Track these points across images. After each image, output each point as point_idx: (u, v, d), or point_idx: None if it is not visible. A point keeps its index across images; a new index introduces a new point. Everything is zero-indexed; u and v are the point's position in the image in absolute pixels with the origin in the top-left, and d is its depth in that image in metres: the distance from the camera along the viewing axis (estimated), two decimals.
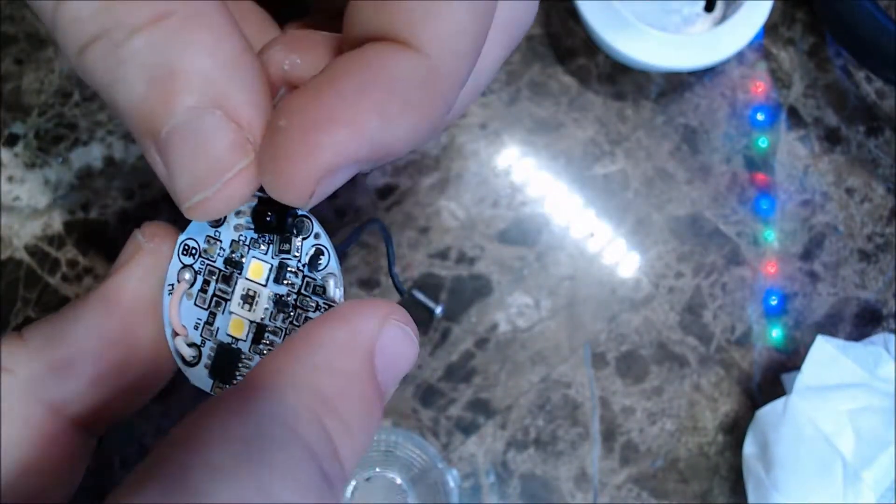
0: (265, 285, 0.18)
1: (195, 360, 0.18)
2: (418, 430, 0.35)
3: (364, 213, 0.35)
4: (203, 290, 0.18)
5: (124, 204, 0.34)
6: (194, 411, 0.14)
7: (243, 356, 0.18)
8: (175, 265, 0.18)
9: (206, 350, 0.18)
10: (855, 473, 0.31)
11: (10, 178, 0.34)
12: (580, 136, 0.36)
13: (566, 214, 0.36)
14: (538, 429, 0.35)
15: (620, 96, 0.36)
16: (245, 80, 0.16)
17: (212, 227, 0.18)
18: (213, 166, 0.16)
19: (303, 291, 0.18)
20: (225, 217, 0.18)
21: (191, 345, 0.18)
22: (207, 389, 0.18)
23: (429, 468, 0.33)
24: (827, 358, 0.33)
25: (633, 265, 0.36)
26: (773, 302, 0.36)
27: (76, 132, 0.34)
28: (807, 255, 0.37)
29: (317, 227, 0.18)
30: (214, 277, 0.18)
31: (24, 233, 0.34)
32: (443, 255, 0.35)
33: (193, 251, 0.18)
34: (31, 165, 0.34)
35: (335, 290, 0.18)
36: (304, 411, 0.14)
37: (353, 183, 0.35)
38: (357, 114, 0.15)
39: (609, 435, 0.35)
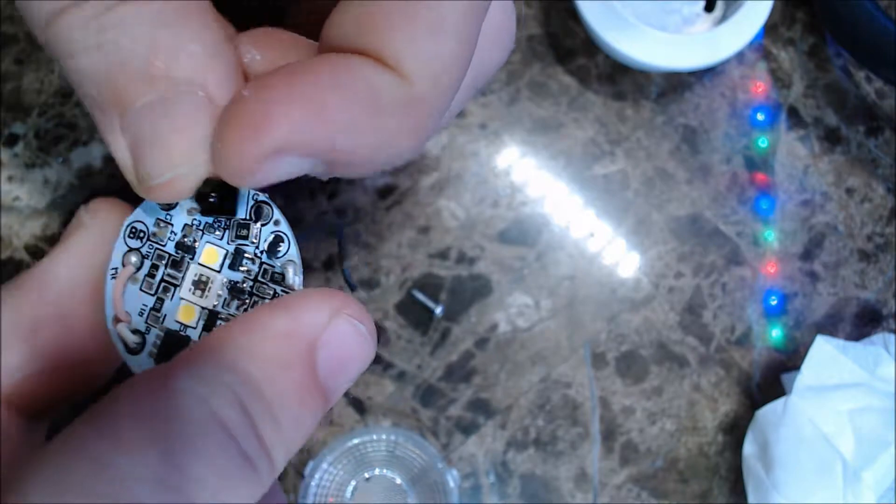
0: (219, 271, 0.17)
1: (138, 348, 0.17)
2: (418, 430, 0.35)
3: (364, 212, 0.35)
4: (150, 275, 0.17)
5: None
6: (115, 388, 0.14)
7: (192, 344, 0.17)
8: (120, 248, 0.18)
9: (152, 337, 0.17)
10: (855, 473, 0.31)
11: (10, 178, 0.34)
12: (580, 136, 0.36)
13: (566, 214, 0.36)
14: (538, 429, 0.35)
15: (620, 96, 0.36)
16: (226, 68, 0.16)
17: (163, 209, 0.18)
18: (191, 145, 0.15)
19: (259, 279, 0.17)
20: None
21: (134, 331, 0.17)
22: None
23: (429, 468, 0.33)
24: (827, 358, 0.33)
25: (633, 265, 0.36)
26: (773, 302, 0.36)
27: (76, 132, 0.34)
28: (807, 255, 0.37)
29: (277, 214, 0.17)
30: (163, 262, 0.17)
31: (24, 233, 0.34)
32: (443, 255, 0.35)
33: (141, 234, 0.18)
34: (31, 165, 0.34)
35: (294, 278, 0.17)
36: (223, 391, 0.14)
37: (353, 182, 0.35)
38: (324, 104, 0.14)
39: (609, 435, 0.35)
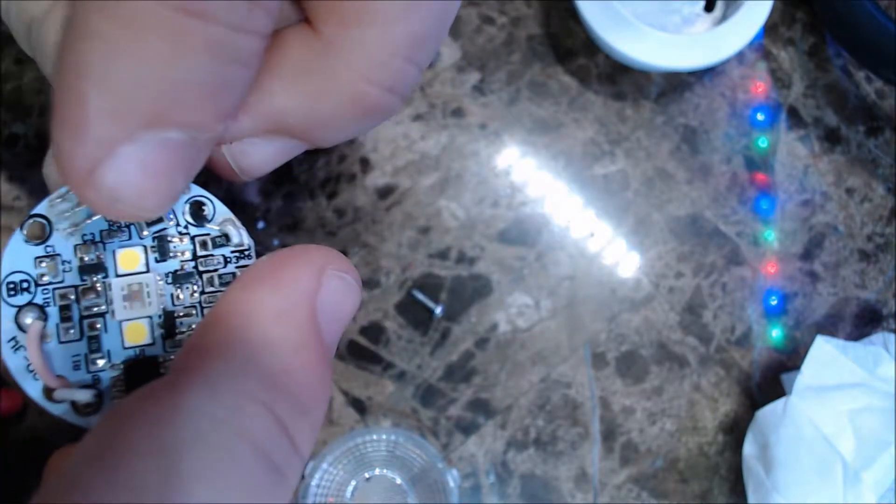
0: (147, 272, 0.15)
1: (94, 405, 0.15)
2: (418, 430, 0.35)
3: (364, 212, 0.35)
4: (66, 319, 0.15)
5: None
6: (102, 421, 0.12)
7: (161, 359, 0.15)
8: (6, 313, 0.14)
9: (107, 381, 0.15)
10: (855, 474, 0.31)
11: (10, 178, 0.34)
12: (580, 136, 0.36)
13: (566, 214, 0.36)
14: (538, 429, 0.35)
15: (620, 96, 0.36)
16: None
17: (35, 244, 0.15)
18: None
19: (199, 253, 0.15)
20: (50, 226, 0.15)
21: (82, 388, 0.15)
22: None
23: (429, 468, 0.33)
24: (827, 358, 0.32)
25: (633, 265, 0.36)
26: (773, 302, 0.36)
27: None
28: (807, 255, 0.37)
29: None
30: (72, 298, 0.15)
31: None
32: (443, 255, 0.35)
33: (24, 285, 0.15)
34: (31, 165, 0.34)
35: (241, 234, 0.15)
36: (247, 403, 0.12)
37: (353, 182, 0.35)
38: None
39: (609, 435, 0.35)
